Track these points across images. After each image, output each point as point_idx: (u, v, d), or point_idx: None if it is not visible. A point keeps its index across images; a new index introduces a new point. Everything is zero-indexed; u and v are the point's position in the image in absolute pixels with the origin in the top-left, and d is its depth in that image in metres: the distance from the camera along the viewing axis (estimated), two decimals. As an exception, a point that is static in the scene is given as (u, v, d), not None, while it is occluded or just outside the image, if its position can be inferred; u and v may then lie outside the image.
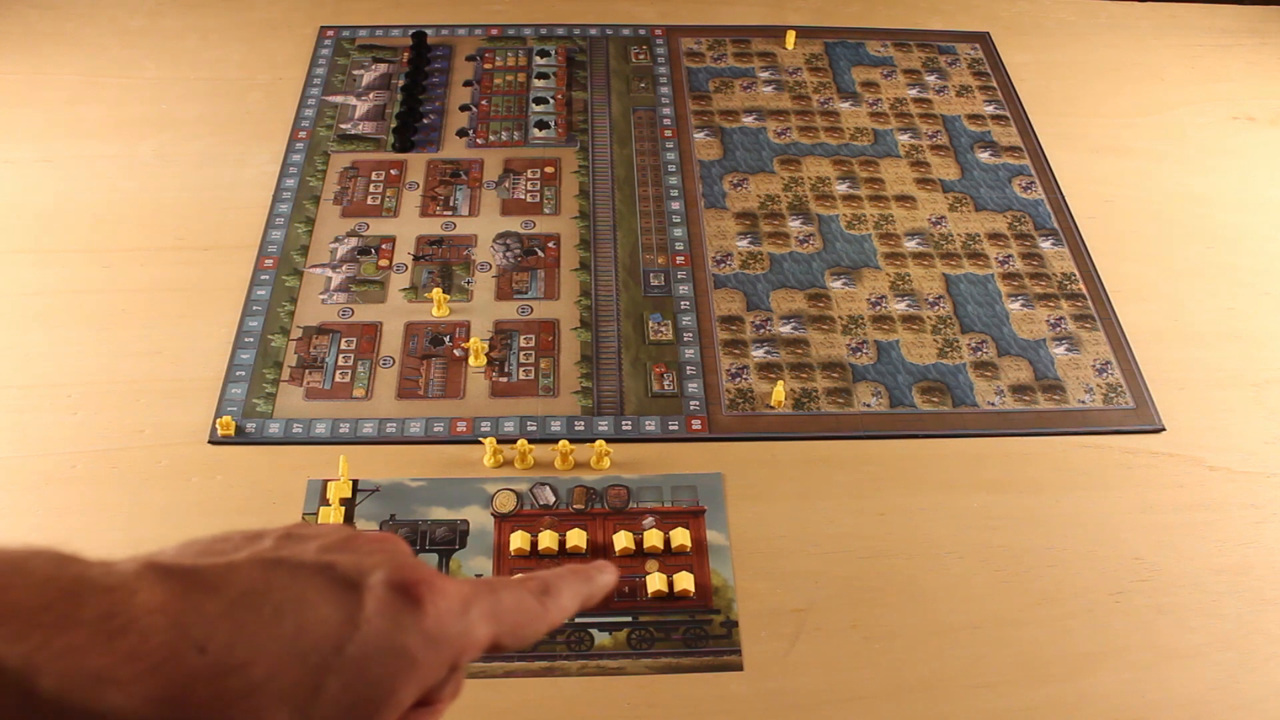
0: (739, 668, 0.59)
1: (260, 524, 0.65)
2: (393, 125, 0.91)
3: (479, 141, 0.91)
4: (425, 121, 0.92)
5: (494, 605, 0.33)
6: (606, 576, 0.38)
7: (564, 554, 0.63)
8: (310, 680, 0.28)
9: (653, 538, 0.63)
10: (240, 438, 0.68)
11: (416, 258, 0.80)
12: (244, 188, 0.85)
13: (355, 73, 0.97)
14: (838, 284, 0.80)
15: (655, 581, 0.61)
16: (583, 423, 0.70)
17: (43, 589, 0.25)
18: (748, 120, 0.94)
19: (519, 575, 0.36)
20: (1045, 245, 0.84)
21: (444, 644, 0.30)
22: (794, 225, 0.84)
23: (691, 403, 0.71)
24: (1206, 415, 0.73)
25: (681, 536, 0.63)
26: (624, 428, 0.70)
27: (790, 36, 1.01)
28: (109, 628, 0.25)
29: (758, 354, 0.75)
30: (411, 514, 0.64)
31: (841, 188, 0.88)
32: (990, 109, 0.96)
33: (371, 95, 0.94)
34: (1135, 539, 0.65)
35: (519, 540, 0.63)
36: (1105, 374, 0.75)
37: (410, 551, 0.33)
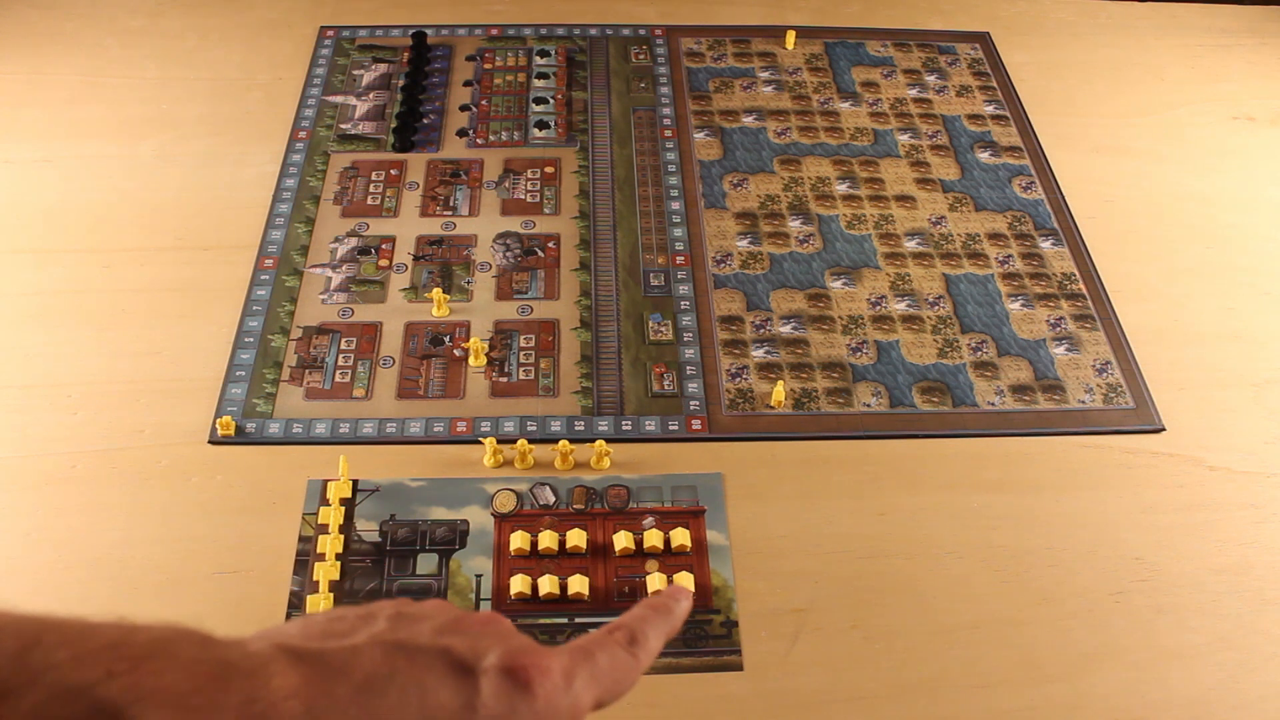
0: (739, 668, 0.59)
1: (261, 524, 0.65)
2: (393, 125, 0.91)
3: (479, 141, 0.91)
4: (425, 121, 0.92)
5: (593, 670, 0.34)
6: (685, 604, 0.40)
7: (564, 554, 0.63)
8: None
9: (653, 538, 0.63)
10: (240, 438, 0.68)
11: (416, 258, 0.80)
12: (244, 188, 0.85)
13: (355, 73, 0.97)
14: (838, 284, 0.80)
15: (655, 581, 0.61)
16: (583, 423, 0.70)
17: (192, 673, 0.26)
18: (748, 120, 0.94)
19: (604, 627, 0.37)
20: (1045, 245, 0.84)
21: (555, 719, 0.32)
22: (794, 225, 0.84)
23: (691, 403, 0.71)
24: (1206, 415, 0.73)
25: (681, 536, 0.63)
26: (624, 428, 0.70)
27: (790, 36, 1.01)
28: (251, 712, 0.27)
29: (758, 354, 0.75)
30: (411, 514, 0.65)
31: (841, 188, 0.88)
32: (990, 109, 0.96)
33: (371, 95, 0.94)
34: (1135, 539, 0.65)
35: (519, 540, 0.63)
36: (1105, 374, 0.75)
37: (515, 630, 0.34)
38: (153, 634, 0.27)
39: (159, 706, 0.25)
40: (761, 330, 0.76)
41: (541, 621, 0.60)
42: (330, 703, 0.28)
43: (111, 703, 0.25)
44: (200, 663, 0.27)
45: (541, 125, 0.92)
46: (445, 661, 0.31)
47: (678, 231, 0.83)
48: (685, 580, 0.61)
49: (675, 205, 0.85)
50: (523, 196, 0.86)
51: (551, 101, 0.95)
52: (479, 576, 0.62)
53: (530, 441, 0.68)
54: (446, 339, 0.75)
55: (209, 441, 0.68)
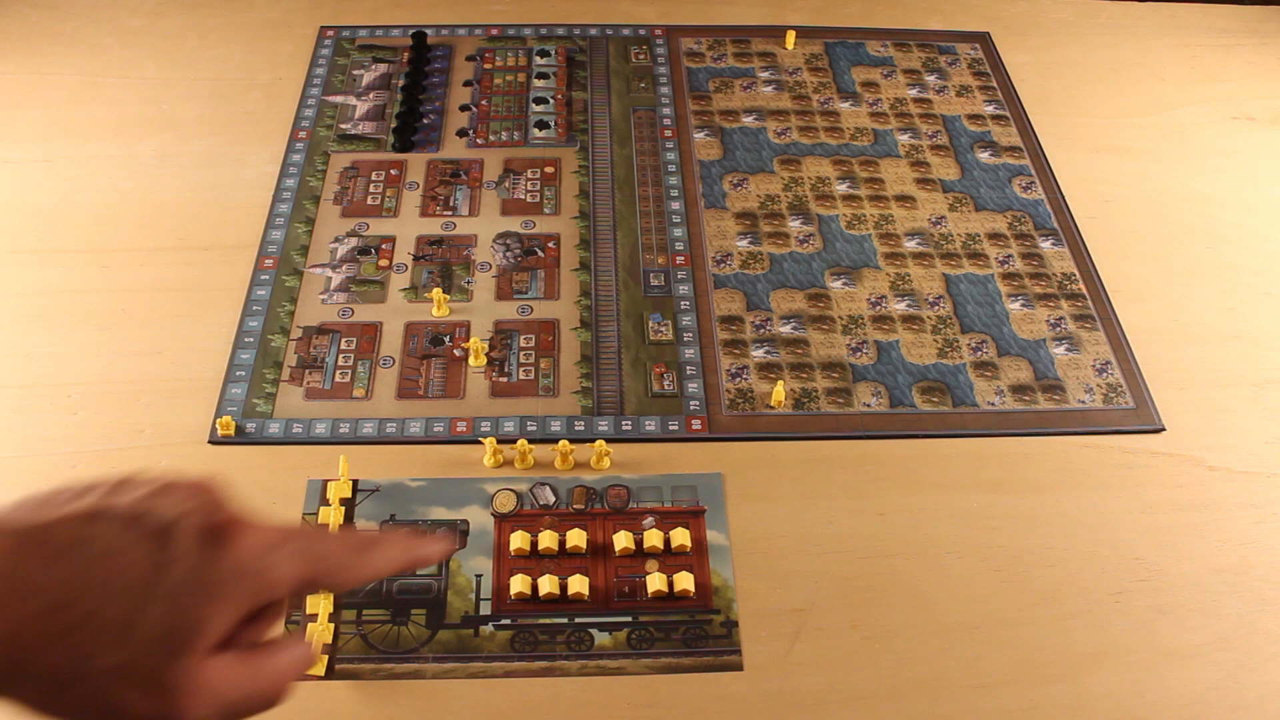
0: (739, 668, 0.59)
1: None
2: (393, 125, 0.91)
3: (479, 141, 0.91)
4: (425, 121, 0.92)
5: (306, 548, 0.36)
6: (435, 548, 0.42)
7: (564, 554, 0.63)
8: (129, 612, 0.32)
9: (653, 538, 0.63)
10: (240, 438, 0.68)
11: (416, 258, 0.80)
12: (244, 188, 0.85)
13: (355, 73, 0.97)
14: (838, 284, 0.80)
15: (655, 581, 0.61)
16: (583, 423, 0.70)
17: None
18: (748, 120, 0.94)
19: (344, 529, 0.39)
20: (1045, 245, 0.84)
21: (247, 577, 0.34)
22: (794, 225, 0.84)
23: (691, 403, 0.71)
24: (1206, 415, 0.73)
25: (681, 536, 0.63)
26: (624, 428, 0.70)
27: (790, 36, 1.01)
28: None
29: (758, 354, 0.75)
30: (411, 514, 0.64)
31: (841, 188, 0.88)
32: (990, 109, 0.96)
33: (371, 95, 0.94)
34: (1135, 539, 0.65)
35: (519, 540, 0.63)
36: (1105, 374, 0.75)
37: (223, 498, 0.36)
38: None
39: None
40: (761, 330, 0.76)
41: (541, 621, 0.60)
42: (27, 568, 0.31)
43: None
44: None
45: (541, 125, 0.92)
46: (143, 523, 0.33)
47: (678, 231, 0.83)
48: (685, 580, 0.61)
49: (675, 205, 0.85)
50: (523, 196, 0.86)
51: (551, 101, 0.95)
52: (479, 576, 0.62)
53: (530, 441, 0.68)
54: (446, 339, 0.75)
55: (209, 441, 0.68)
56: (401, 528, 0.41)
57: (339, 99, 0.94)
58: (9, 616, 0.31)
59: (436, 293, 0.76)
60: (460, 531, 0.64)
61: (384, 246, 0.81)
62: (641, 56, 1.00)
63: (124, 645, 0.32)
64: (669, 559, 0.63)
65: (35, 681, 0.32)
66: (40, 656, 0.31)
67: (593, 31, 1.03)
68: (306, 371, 0.72)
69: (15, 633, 0.31)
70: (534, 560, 0.63)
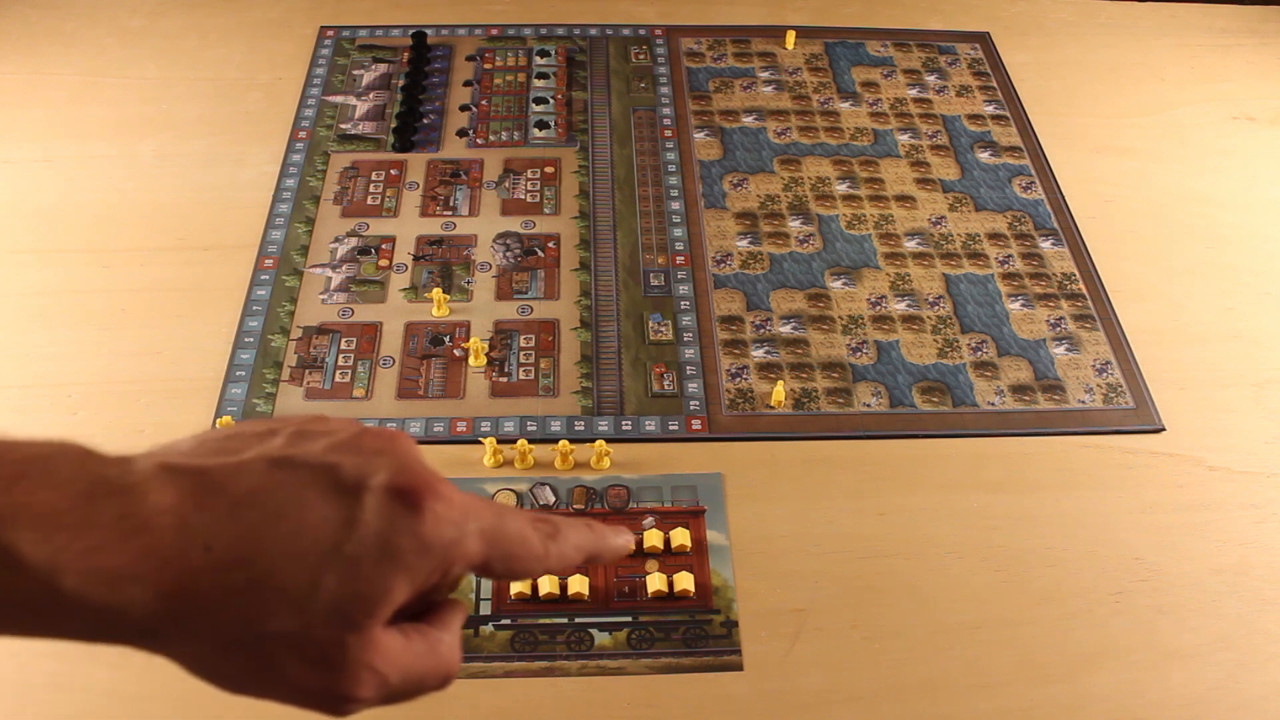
0: (739, 668, 0.59)
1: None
2: (393, 125, 0.91)
3: (479, 141, 0.91)
4: (425, 121, 0.92)
5: (495, 527, 0.33)
6: (621, 540, 0.39)
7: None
8: (309, 577, 0.29)
9: (653, 538, 0.63)
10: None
11: (416, 258, 0.80)
12: (244, 188, 0.85)
13: (355, 73, 0.97)
14: (838, 284, 0.80)
15: (655, 581, 0.61)
16: (583, 423, 0.70)
17: (66, 490, 0.27)
18: (748, 120, 0.94)
19: (534, 513, 0.36)
20: (1045, 245, 0.84)
21: (435, 550, 0.31)
22: (794, 225, 0.84)
23: (691, 403, 0.71)
24: (1206, 415, 0.73)
25: (681, 536, 0.63)
26: (624, 428, 0.70)
27: (790, 36, 1.01)
28: (124, 528, 0.27)
29: (758, 354, 0.75)
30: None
31: (841, 188, 0.88)
32: (990, 109, 0.96)
33: (371, 95, 0.94)
34: (1135, 539, 0.65)
35: (519, 540, 0.63)
36: (1105, 374, 0.75)
37: (416, 454, 0.33)
38: (30, 450, 0.27)
39: (29, 525, 0.26)
40: (761, 330, 0.76)
41: (541, 622, 0.60)
42: (205, 517, 0.29)
43: None
44: (75, 480, 0.27)
45: (541, 125, 0.92)
46: (330, 477, 0.31)
47: (678, 231, 0.83)
48: (685, 580, 0.61)
49: (675, 205, 0.85)
50: (523, 196, 0.86)
51: (551, 101, 0.95)
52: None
53: (530, 441, 0.68)
54: (446, 339, 0.75)
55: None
56: (588, 523, 0.38)
57: (339, 99, 0.94)
58: (177, 570, 0.28)
59: (436, 293, 0.76)
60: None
61: (384, 246, 0.81)
62: (641, 56, 1.00)
63: (300, 611, 0.29)
64: (669, 559, 0.63)
65: (198, 639, 0.29)
66: (206, 614, 0.28)
67: (593, 31, 1.03)
68: (306, 371, 0.72)
69: (182, 588, 0.28)
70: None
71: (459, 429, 0.70)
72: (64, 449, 0.28)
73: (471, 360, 0.73)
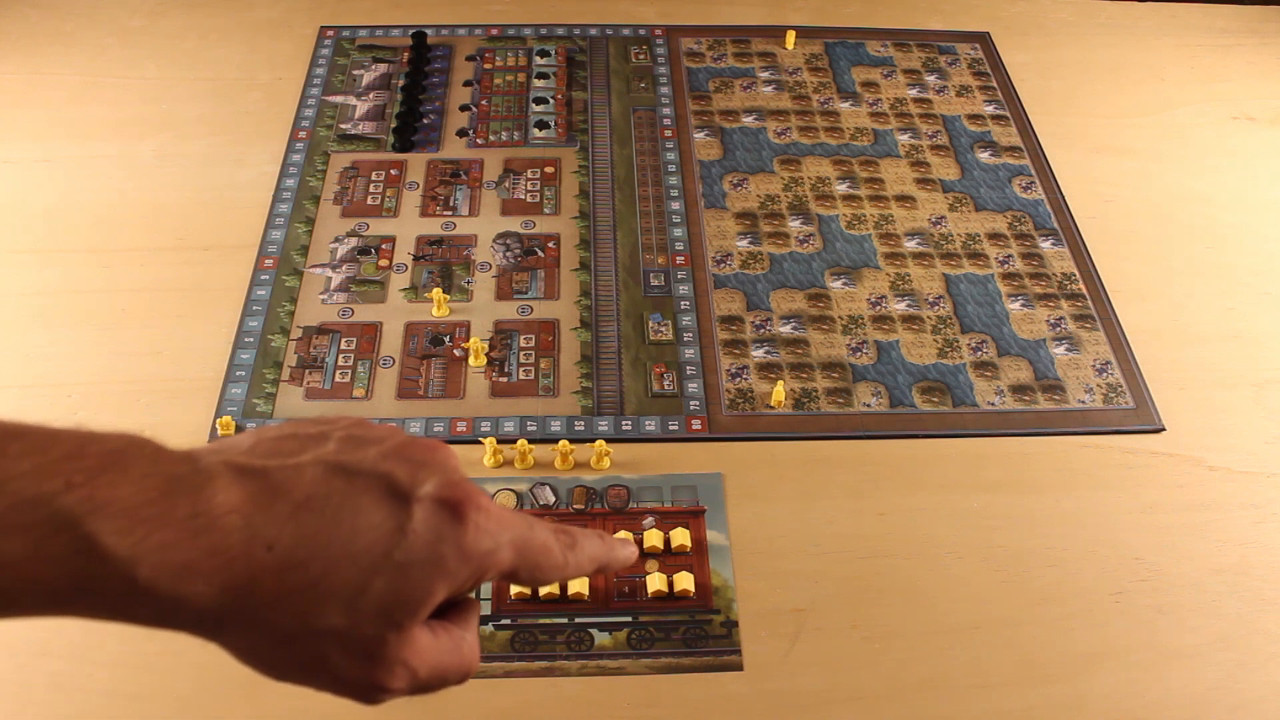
0: (739, 668, 0.59)
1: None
2: (393, 125, 0.91)
3: (479, 141, 0.91)
4: (425, 121, 0.92)
5: (526, 539, 0.36)
6: (626, 550, 0.41)
7: (564, 554, 0.63)
8: (360, 579, 0.31)
9: (653, 538, 0.63)
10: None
11: (416, 258, 0.80)
12: (244, 188, 0.85)
13: (355, 73, 0.97)
14: (838, 284, 0.80)
15: (655, 581, 0.61)
16: (583, 423, 0.70)
17: (143, 485, 0.29)
18: (748, 120, 0.94)
19: (556, 525, 0.39)
20: (1045, 245, 0.84)
21: (474, 559, 0.34)
22: (794, 225, 0.84)
23: (691, 403, 0.71)
24: (1206, 415, 0.73)
25: (681, 536, 0.63)
26: (624, 428, 0.70)
27: (790, 36, 1.01)
28: (195, 525, 0.29)
29: (758, 354, 0.75)
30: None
31: (841, 188, 0.88)
32: (990, 109, 0.96)
33: (371, 95, 0.94)
34: (1135, 539, 0.65)
35: (519, 540, 0.63)
36: (1105, 374, 0.75)
37: (458, 465, 0.36)
38: (108, 445, 0.29)
39: (112, 517, 0.28)
40: (761, 330, 0.76)
41: (541, 622, 0.60)
42: (268, 518, 0.30)
43: (70, 512, 0.27)
44: (151, 476, 0.29)
45: (541, 125, 0.92)
46: (383, 485, 0.33)
47: (678, 231, 0.83)
48: (685, 580, 0.61)
49: (675, 205, 0.85)
50: (523, 196, 0.86)
51: (551, 101, 0.95)
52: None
53: (530, 441, 0.68)
54: (446, 339, 0.75)
55: (209, 442, 0.68)
56: (598, 533, 0.41)
57: (339, 99, 0.94)
58: (241, 567, 0.30)
59: (436, 293, 0.76)
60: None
61: (384, 246, 0.81)
62: (641, 56, 1.00)
63: (351, 611, 0.31)
64: (669, 559, 0.63)
65: (255, 632, 0.31)
66: (265, 610, 0.30)
67: (593, 31, 1.03)
68: (306, 371, 0.72)
69: (248, 586, 0.30)
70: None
71: (459, 429, 0.70)
72: (137, 443, 0.30)
73: (471, 360, 0.73)
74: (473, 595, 0.37)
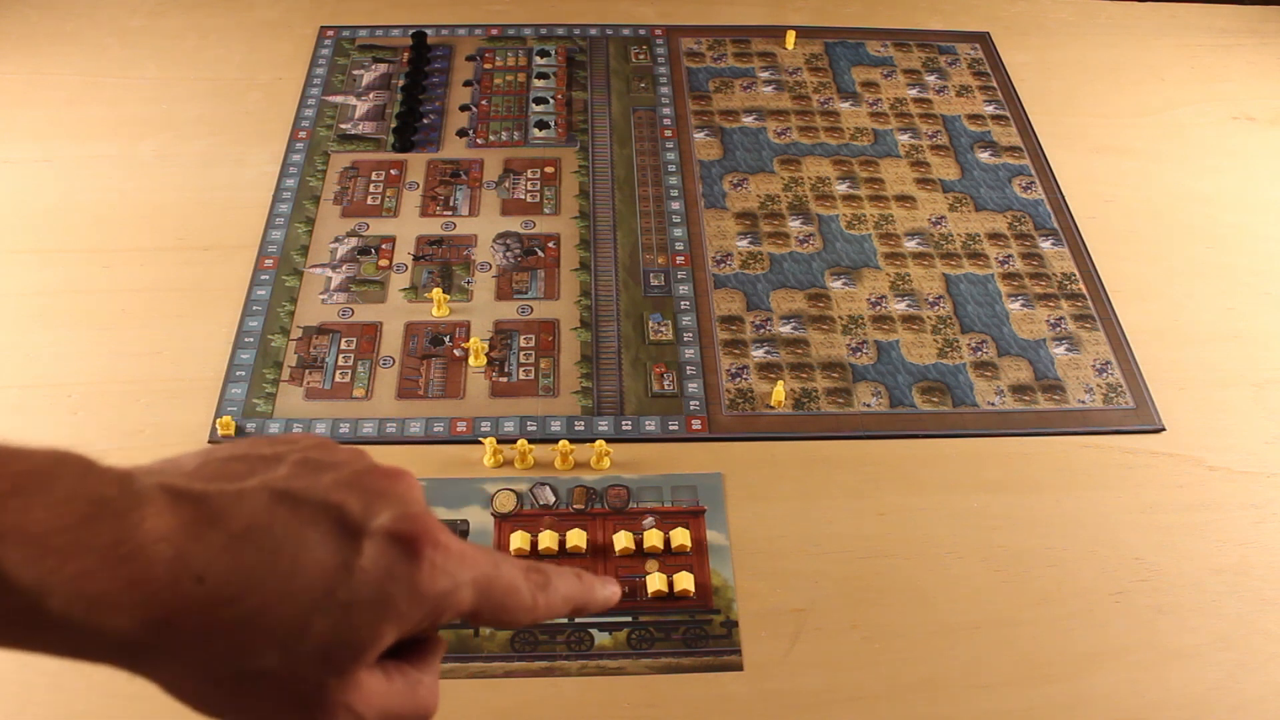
0: (739, 668, 0.59)
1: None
2: (393, 125, 0.91)
3: (479, 141, 0.91)
4: (425, 121, 0.92)
5: (490, 579, 0.33)
6: (607, 591, 0.39)
7: (564, 554, 0.63)
8: (298, 619, 0.29)
9: (653, 538, 0.63)
10: (240, 438, 0.68)
11: (416, 258, 0.80)
12: (244, 188, 0.85)
13: (355, 73, 0.97)
14: (838, 284, 0.80)
15: (655, 581, 0.61)
16: (583, 423, 0.70)
17: (61, 510, 0.26)
18: (748, 120, 0.94)
19: (527, 562, 0.36)
20: (1045, 245, 0.84)
21: (429, 600, 0.31)
22: (794, 225, 0.84)
23: (691, 403, 0.71)
24: (1206, 415, 0.73)
25: (681, 536, 0.63)
26: (624, 428, 0.70)
27: (790, 36, 1.01)
28: (117, 554, 0.27)
29: (758, 354, 0.75)
30: (411, 514, 0.64)
31: (841, 188, 0.88)
32: (990, 109, 0.96)
33: (371, 95, 0.94)
34: (1135, 539, 0.65)
35: (519, 540, 0.63)
36: (1105, 374, 0.75)
37: (419, 496, 0.33)
38: (30, 463, 0.27)
39: (18, 545, 0.25)
40: (761, 330, 0.76)
41: (541, 622, 0.60)
42: (201, 548, 0.28)
43: None
44: (72, 500, 0.27)
45: (541, 125, 0.92)
46: (332, 517, 0.30)
47: (678, 231, 0.83)
48: (685, 580, 0.61)
49: (675, 205, 0.85)
50: (523, 196, 0.86)
51: (551, 101, 0.95)
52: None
53: (530, 441, 0.68)
54: (446, 339, 0.75)
55: (209, 442, 0.68)
56: (576, 573, 0.38)
57: (339, 99, 0.94)
58: (165, 600, 0.27)
59: (436, 293, 0.76)
60: (461, 532, 0.64)
61: (384, 246, 0.81)
62: (641, 56, 1.00)
63: (286, 652, 0.29)
64: (669, 559, 0.63)
65: (179, 667, 0.29)
66: (190, 646, 0.28)
67: (593, 31, 1.03)
68: (306, 371, 0.72)
69: (168, 618, 0.27)
70: (534, 560, 0.63)
71: (459, 429, 0.70)
72: (64, 461, 0.28)
73: (471, 360, 0.73)
74: (438, 633, 0.35)
